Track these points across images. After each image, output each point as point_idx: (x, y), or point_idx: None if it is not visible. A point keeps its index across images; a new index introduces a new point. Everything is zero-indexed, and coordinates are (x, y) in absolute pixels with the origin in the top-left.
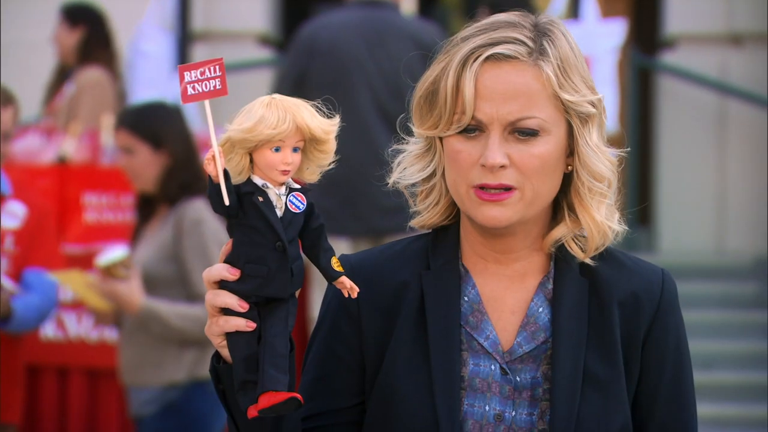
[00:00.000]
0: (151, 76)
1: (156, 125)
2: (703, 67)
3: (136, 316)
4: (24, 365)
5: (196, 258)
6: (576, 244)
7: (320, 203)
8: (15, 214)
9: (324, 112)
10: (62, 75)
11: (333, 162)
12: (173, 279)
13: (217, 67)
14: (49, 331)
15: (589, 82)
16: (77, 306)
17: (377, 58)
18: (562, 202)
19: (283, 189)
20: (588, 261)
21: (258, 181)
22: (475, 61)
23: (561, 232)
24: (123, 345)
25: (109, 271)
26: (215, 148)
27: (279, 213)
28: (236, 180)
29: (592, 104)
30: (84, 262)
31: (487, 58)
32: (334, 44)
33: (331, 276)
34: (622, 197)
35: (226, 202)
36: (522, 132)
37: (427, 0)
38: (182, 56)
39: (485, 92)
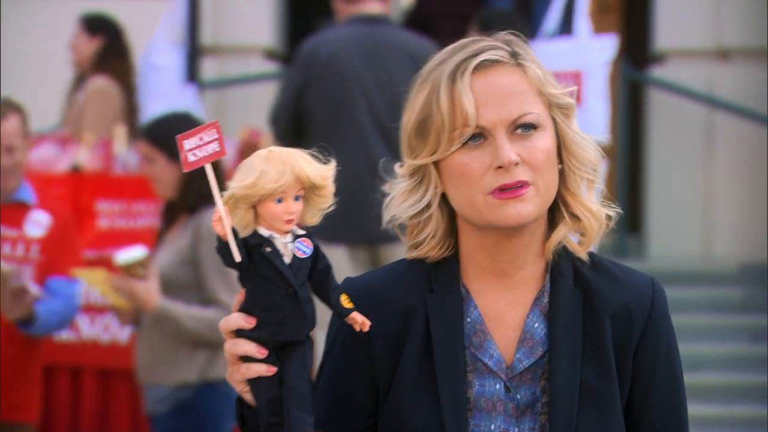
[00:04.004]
0: (161, 88)
1: (171, 136)
2: (691, 81)
3: (152, 315)
4: (41, 367)
5: (212, 264)
6: (574, 243)
7: None
8: (40, 223)
9: (319, 158)
10: (79, 84)
11: (332, 204)
12: (190, 283)
13: (213, 130)
14: (62, 332)
15: None
16: (90, 309)
17: (375, 71)
18: (559, 203)
19: (289, 237)
20: (584, 257)
21: (264, 232)
22: (464, 73)
23: (562, 232)
24: (140, 343)
25: (128, 270)
26: (221, 209)
27: (287, 260)
28: (243, 233)
29: (568, 95)
30: (97, 266)
31: (475, 68)
32: (334, 58)
33: (341, 313)
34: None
35: (237, 258)
36: (524, 127)
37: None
38: (191, 69)
39: (482, 99)
